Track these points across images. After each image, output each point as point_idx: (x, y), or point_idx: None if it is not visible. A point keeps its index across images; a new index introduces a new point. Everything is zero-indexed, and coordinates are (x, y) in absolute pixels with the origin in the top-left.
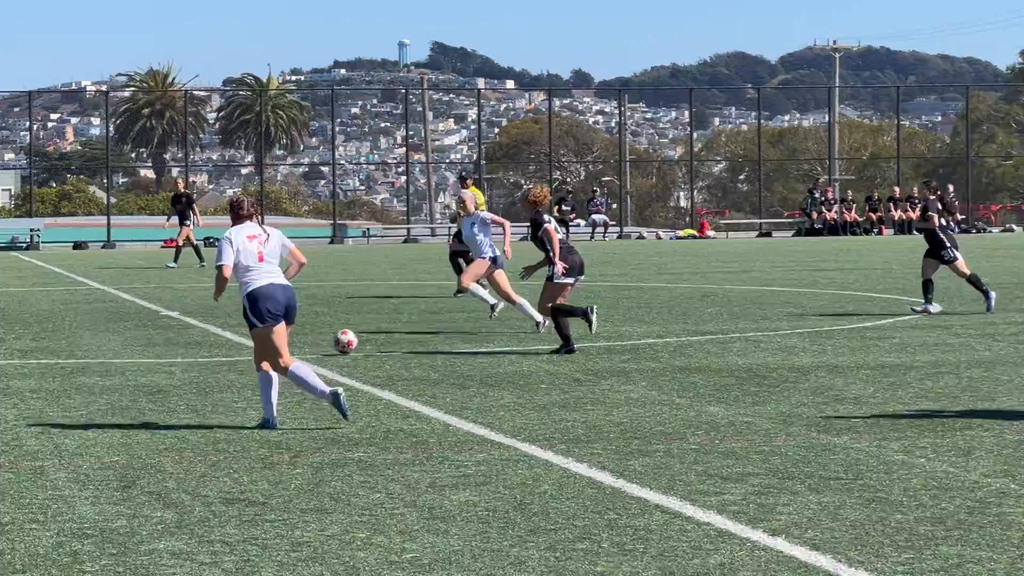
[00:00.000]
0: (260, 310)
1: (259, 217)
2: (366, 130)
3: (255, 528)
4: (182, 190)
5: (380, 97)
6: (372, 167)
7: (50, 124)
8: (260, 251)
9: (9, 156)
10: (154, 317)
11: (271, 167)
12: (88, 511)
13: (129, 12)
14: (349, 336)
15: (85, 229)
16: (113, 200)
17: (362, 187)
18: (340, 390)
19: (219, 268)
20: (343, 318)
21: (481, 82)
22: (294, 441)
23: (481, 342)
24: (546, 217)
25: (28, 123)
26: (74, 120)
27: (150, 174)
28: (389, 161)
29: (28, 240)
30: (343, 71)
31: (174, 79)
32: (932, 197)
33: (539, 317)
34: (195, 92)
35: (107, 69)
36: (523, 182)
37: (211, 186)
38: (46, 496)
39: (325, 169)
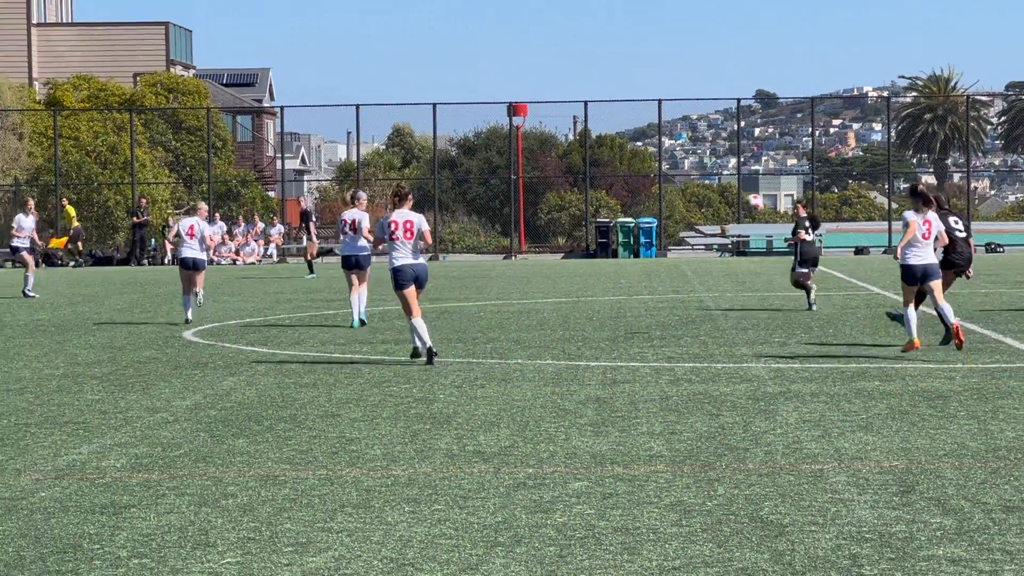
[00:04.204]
0: None
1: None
2: None
3: None
4: None
5: None
6: None
7: (832, 130)
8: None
9: (792, 162)
10: (931, 323)
11: None
12: (867, 515)
13: (911, 17)
14: None
15: (866, 235)
16: (894, 206)
17: None
18: None
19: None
20: None
21: None
22: None
23: None
24: None
25: (810, 129)
26: (855, 126)
27: (932, 180)
28: None
29: None
30: None
31: (956, 84)
32: None
33: None
34: (977, 97)
35: (888, 74)
36: None
37: (992, 191)
38: (826, 499)
39: None
